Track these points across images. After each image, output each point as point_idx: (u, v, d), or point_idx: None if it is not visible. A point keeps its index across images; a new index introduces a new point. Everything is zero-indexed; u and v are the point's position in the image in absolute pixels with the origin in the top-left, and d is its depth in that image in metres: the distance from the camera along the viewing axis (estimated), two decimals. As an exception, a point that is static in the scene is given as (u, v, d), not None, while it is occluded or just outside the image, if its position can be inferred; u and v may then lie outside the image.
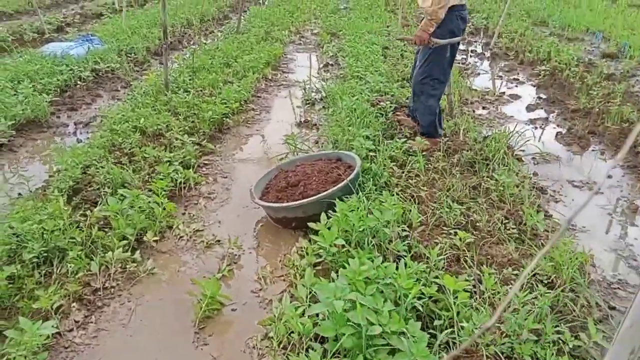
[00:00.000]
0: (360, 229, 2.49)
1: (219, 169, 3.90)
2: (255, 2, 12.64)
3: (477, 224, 2.86)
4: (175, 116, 4.53)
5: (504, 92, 5.78)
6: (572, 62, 6.30)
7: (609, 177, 3.79)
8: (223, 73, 5.83)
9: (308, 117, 4.95)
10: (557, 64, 6.36)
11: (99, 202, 3.14)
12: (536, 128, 4.79)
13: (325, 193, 2.88)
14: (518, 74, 6.61)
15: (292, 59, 7.37)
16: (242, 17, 9.12)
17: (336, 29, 8.62)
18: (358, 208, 2.70)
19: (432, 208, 2.98)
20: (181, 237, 2.98)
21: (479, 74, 6.64)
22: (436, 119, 3.90)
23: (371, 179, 3.24)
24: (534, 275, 2.44)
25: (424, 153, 3.72)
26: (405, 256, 2.43)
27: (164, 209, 2.98)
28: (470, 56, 7.56)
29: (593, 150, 4.31)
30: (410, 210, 2.87)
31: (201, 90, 5.26)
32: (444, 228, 2.79)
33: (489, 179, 3.45)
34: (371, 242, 2.51)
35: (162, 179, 3.33)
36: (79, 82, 5.56)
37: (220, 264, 2.75)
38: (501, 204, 3.17)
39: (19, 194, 3.44)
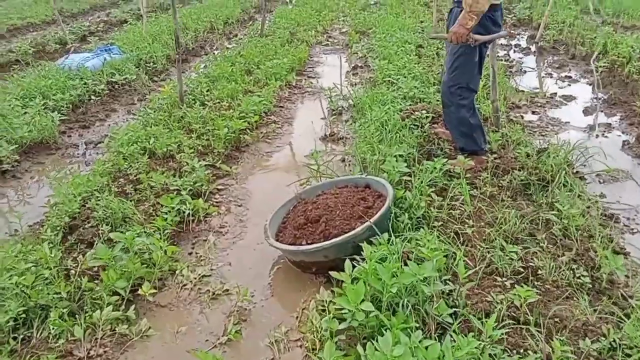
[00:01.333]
0: (393, 289, 2.00)
1: (233, 195, 3.48)
2: (283, 1, 12.22)
3: (539, 272, 2.32)
4: (188, 134, 4.15)
5: (555, 93, 5.13)
6: (633, 56, 5.55)
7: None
8: (243, 82, 5.43)
9: (334, 130, 4.47)
10: (615, 57, 5.63)
11: (95, 243, 2.77)
12: (597, 136, 4.15)
13: (349, 234, 2.40)
14: (570, 70, 5.91)
15: (319, 62, 6.90)
16: (267, 19, 8.73)
17: (366, 27, 8.09)
18: (390, 257, 2.22)
19: (482, 250, 2.45)
20: (184, 285, 2.57)
21: (525, 71, 5.98)
22: (475, 132, 3.34)
23: (406, 212, 2.74)
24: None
25: (467, 175, 3.18)
26: (451, 325, 1.93)
27: (165, 252, 2.58)
28: (514, 51, 6.88)
29: (670, 163, 3.65)
30: (455, 255, 2.36)
31: (219, 102, 4.86)
32: (498, 279, 2.26)
33: (548, 208, 2.88)
34: (407, 303, 2.02)
35: (165, 215, 2.93)
36: (92, 97, 5.27)
37: (227, 322, 2.32)
38: (566, 240, 2.61)
39: (15, 230, 3.13)
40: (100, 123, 4.92)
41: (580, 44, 6.45)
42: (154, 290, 2.45)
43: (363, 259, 2.30)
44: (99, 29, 9.16)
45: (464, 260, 2.33)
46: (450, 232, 2.62)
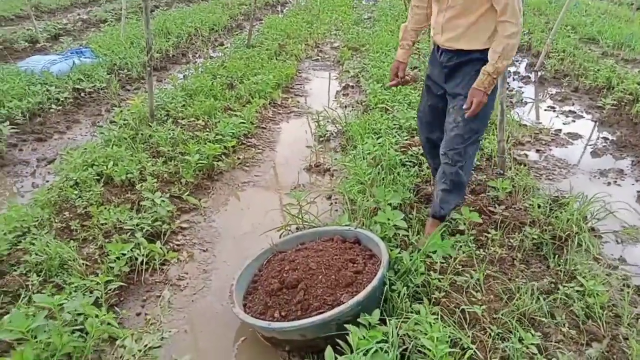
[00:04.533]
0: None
1: (199, 236, 2.99)
2: (273, 10, 11.80)
3: (565, 373, 1.88)
4: (155, 158, 3.65)
5: (560, 130, 4.76)
6: (641, 93, 5.24)
7: None
8: (224, 98, 4.94)
9: (320, 159, 4.01)
10: (622, 94, 5.30)
11: (21, 297, 2.26)
12: (609, 184, 3.77)
13: (332, 313, 1.93)
14: (573, 104, 5.56)
15: (307, 78, 6.46)
16: (255, 28, 8.28)
17: (359, 43, 7.68)
18: (383, 345, 1.76)
19: (494, 337, 2.01)
20: (125, 361, 2.07)
21: (525, 102, 5.61)
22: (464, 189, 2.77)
23: (401, 278, 2.29)
24: None
25: (472, 230, 2.75)
26: None
27: (101, 322, 2.07)
28: (513, 79, 6.54)
29: (692, 221, 3.27)
30: (460, 341, 1.91)
31: (194, 120, 4.37)
32: (515, 381, 1.82)
33: (566, 277, 2.46)
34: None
35: (112, 264, 2.43)
36: (54, 106, 4.73)
37: (172, 421, 1.83)
38: (590, 323, 2.18)
39: None
40: (59, 136, 4.39)
41: (583, 76, 6.13)
42: (83, 373, 1.95)
43: (349, 344, 1.85)
44: (75, 28, 8.59)
45: (473, 352, 1.89)
46: (455, 307, 2.17)
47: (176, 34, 7.86)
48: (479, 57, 2.34)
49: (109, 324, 2.10)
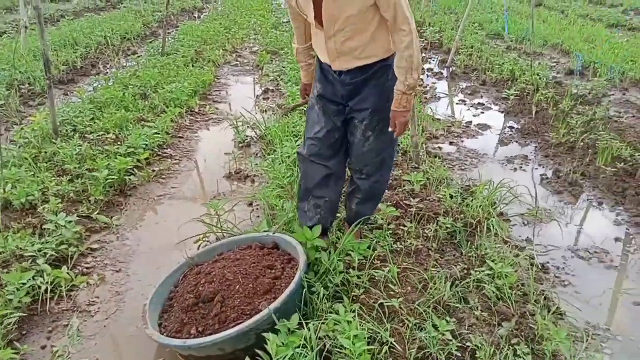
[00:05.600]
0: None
1: (111, 256, 2.82)
2: (190, 16, 11.51)
3: (478, 355, 1.95)
4: (60, 177, 3.41)
5: (470, 122, 5.01)
6: (540, 83, 5.64)
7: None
8: (137, 109, 4.73)
9: (241, 166, 3.94)
10: (524, 85, 5.68)
11: None
12: (515, 170, 4.01)
13: (247, 324, 1.88)
14: (482, 97, 5.88)
15: (226, 84, 6.34)
16: (170, 35, 8.03)
17: (277, 47, 7.67)
18: (302, 350, 1.74)
19: (412, 328, 2.05)
20: (28, 400, 1.90)
21: (439, 98, 5.86)
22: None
23: (321, 279, 2.28)
24: None
25: (390, 225, 2.81)
26: None
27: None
28: (427, 76, 6.81)
29: (588, 199, 3.55)
30: (381, 338, 1.93)
31: (104, 134, 4.14)
32: (432, 369, 1.87)
33: (478, 262, 2.57)
34: None
35: (10, 297, 2.23)
36: (-58, 127, 4.30)
37: None
38: (501, 304, 2.29)
39: None
40: (-49, 160, 3.99)
41: (490, 70, 6.50)
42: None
43: (269, 354, 1.81)
44: (-32, 41, 7.88)
45: (391, 345, 1.92)
46: (374, 303, 2.19)
47: (85, 45, 7.45)
48: (384, 65, 2.18)
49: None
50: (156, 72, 5.81)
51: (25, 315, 2.26)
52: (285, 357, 1.76)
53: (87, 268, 2.69)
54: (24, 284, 2.31)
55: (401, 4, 1.94)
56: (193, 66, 6.42)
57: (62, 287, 2.45)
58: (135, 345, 2.21)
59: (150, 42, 8.05)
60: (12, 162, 3.50)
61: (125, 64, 7.06)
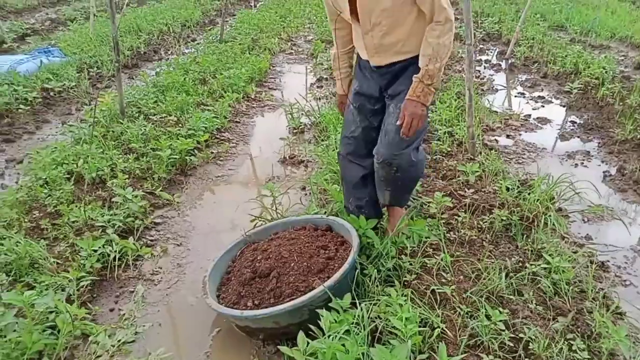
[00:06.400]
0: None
1: (173, 230, 2.98)
2: (246, 5, 11.72)
3: (530, 346, 1.94)
4: (126, 154, 3.61)
5: (529, 115, 4.85)
6: (606, 77, 5.37)
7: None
8: (196, 93, 4.91)
9: (295, 151, 4.02)
10: (589, 78, 5.43)
11: (-9, 298, 2.22)
12: (576, 166, 3.86)
13: (302, 299, 1.95)
14: (542, 90, 5.68)
15: (281, 71, 6.45)
16: (228, 23, 8.22)
17: (332, 36, 7.68)
18: (354, 327, 1.79)
19: (463, 315, 2.05)
20: (98, 356, 2.06)
21: (497, 90, 5.70)
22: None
23: (373, 264, 2.32)
24: None
25: (443, 215, 2.80)
26: None
27: (74, 319, 2.05)
28: (485, 67, 6.63)
29: (655, 198, 3.38)
30: (432, 323, 1.95)
31: (166, 116, 4.33)
32: (484, 357, 1.86)
33: (534, 256, 2.52)
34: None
35: (84, 261, 2.41)
36: (22, 106, 4.63)
37: (147, 412, 1.83)
38: (557, 299, 2.24)
39: None
40: (29, 136, 4.31)
41: (552, 62, 6.25)
42: (54, 371, 1.93)
43: (322, 329, 1.87)
44: (43, 27, 8.41)
45: (442, 330, 1.94)
46: (426, 289, 2.21)
47: (147, 31, 7.77)
48: None
49: (82, 319, 2.09)
50: (214, 58, 5.99)
51: (96, 279, 2.44)
52: (337, 333, 1.81)
53: (151, 240, 2.85)
54: (95, 250, 2.49)
55: None
56: (249, 53, 6.56)
57: (128, 256, 2.62)
58: (194, 314, 2.34)
59: (209, 30, 8.28)
60: (83, 140, 3.74)
61: (185, 51, 7.30)
